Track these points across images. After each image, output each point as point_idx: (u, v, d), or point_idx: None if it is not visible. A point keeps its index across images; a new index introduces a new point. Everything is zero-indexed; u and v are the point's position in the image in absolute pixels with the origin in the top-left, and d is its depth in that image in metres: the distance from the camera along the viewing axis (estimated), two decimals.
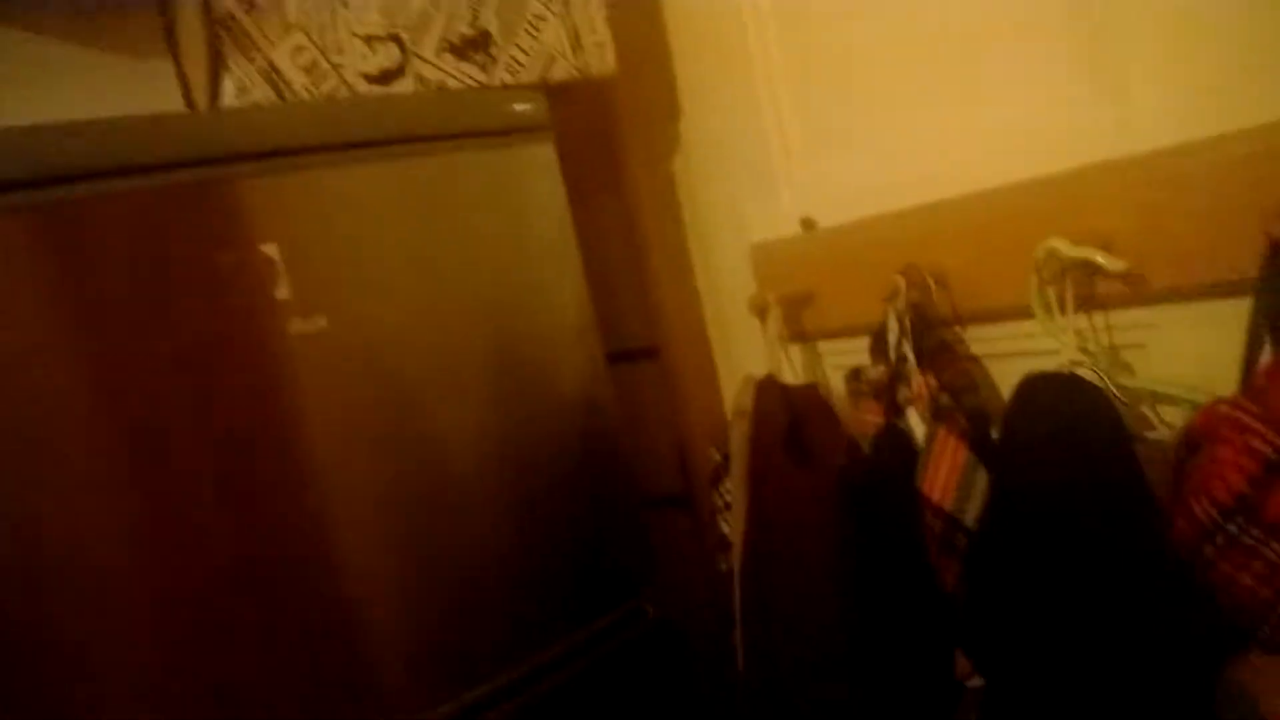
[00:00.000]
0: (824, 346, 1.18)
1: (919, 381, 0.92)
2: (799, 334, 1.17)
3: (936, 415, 0.87)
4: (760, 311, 1.16)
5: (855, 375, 1.04)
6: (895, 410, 0.95)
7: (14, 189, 0.72)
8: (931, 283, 0.95)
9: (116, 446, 0.74)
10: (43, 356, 0.71)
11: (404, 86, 1.00)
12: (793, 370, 1.16)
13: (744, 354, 1.28)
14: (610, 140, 1.29)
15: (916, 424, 0.91)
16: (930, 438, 0.85)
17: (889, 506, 0.89)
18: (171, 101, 0.93)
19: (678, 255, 1.31)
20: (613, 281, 1.32)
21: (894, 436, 0.93)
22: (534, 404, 1.00)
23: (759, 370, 1.11)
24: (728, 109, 1.23)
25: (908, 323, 0.94)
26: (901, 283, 0.95)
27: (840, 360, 1.14)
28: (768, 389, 1.07)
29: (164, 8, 0.90)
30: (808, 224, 1.17)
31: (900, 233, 1.01)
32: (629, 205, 1.30)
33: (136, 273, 0.76)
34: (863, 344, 1.04)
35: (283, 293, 0.83)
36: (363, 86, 0.97)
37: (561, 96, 1.22)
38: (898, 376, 0.95)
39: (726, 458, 1.08)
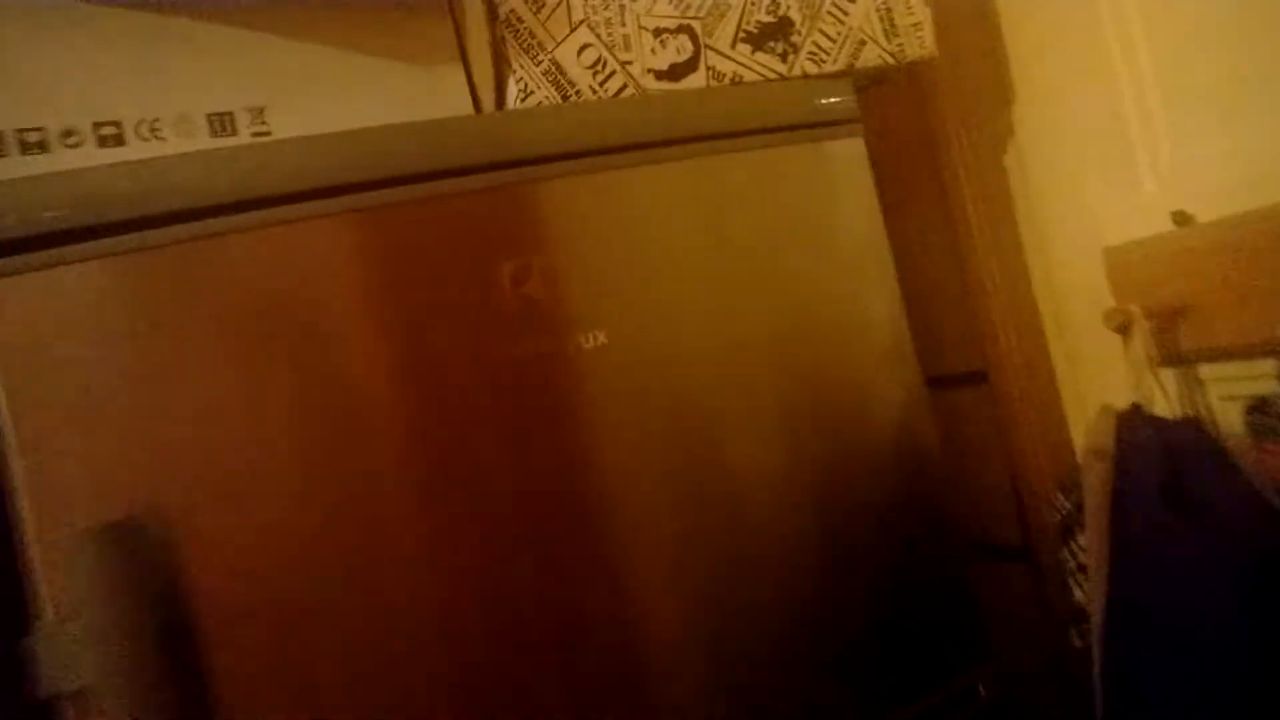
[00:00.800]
0: (1208, 371, 0.94)
1: None
2: (1173, 355, 0.94)
3: None
4: (1121, 328, 0.94)
5: (1261, 407, 0.80)
6: None
7: (319, 196, 0.70)
8: None
9: (415, 469, 0.70)
10: (357, 364, 0.68)
11: (695, 82, 0.91)
12: (1166, 401, 0.93)
13: (1096, 380, 1.06)
14: (929, 134, 1.13)
15: None
16: None
17: None
18: (460, 108, 0.89)
19: (1011, 263, 1.11)
20: (933, 296, 1.15)
21: None
22: (842, 438, 0.86)
23: (1119, 400, 0.90)
24: (1073, 89, 1.03)
25: None
26: None
27: (1233, 388, 0.90)
28: (1134, 424, 0.86)
29: (452, 9, 0.87)
30: (1182, 219, 0.94)
31: None
32: (951, 207, 1.13)
33: (425, 280, 0.72)
34: (1266, 367, 0.81)
35: (565, 305, 0.76)
36: (651, 83, 0.89)
37: (871, 86, 1.08)
38: None
39: (1079, 507, 0.87)
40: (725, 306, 0.83)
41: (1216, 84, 0.90)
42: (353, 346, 0.69)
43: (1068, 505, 0.90)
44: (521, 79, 0.84)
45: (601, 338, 0.78)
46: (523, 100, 0.83)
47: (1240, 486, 0.79)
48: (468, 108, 0.91)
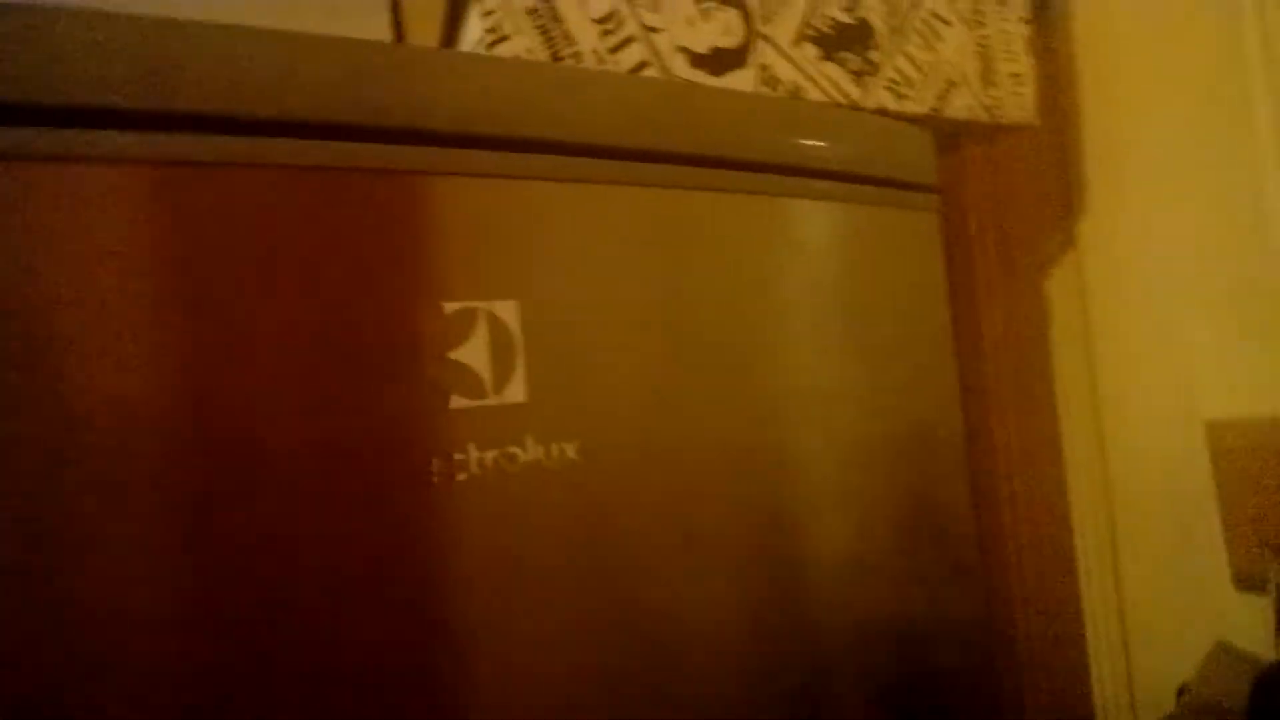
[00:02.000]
0: None
1: None
2: None
3: None
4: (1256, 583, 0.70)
5: None
6: None
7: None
8: None
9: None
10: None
11: (741, 81, 0.62)
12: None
13: (1166, 599, 0.82)
14: (966, 236, 0.87)
15: None
16: None
17: None
18: (374, 31, 0.57)
19: (1082, 423, 0.86)
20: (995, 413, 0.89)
21: None
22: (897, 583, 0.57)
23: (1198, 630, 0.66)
24: (1169, 205, 0.80)
25: None
26: None
27: None
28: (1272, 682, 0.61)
29: None
30: None
31: None
32: (1022, 314, 0.87)
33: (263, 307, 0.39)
34: None
35: (514, 394, 0.45)
36: (681, 67, 0.59)
37: (948, 147, 0.81)
38: None
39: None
40: (741, 398, 0.53)
41: None
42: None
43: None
44: (493, 12, 0.52)
45: (570, 451, 0.46)
46: (491, 46, 0.52)
47: None
48: (385, 33, 0.58)
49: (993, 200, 0.90)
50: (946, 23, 0.72)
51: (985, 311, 0.90)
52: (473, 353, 0.44)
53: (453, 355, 0.44)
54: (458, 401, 0.44)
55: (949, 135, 0.78)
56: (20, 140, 0.35)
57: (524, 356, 0.46)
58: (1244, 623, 0.70)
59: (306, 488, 0.39)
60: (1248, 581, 0.71)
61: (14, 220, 0.35)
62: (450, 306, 0.44)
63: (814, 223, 0.59)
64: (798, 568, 0.54)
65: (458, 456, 0.43)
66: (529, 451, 0.45)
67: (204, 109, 0.39)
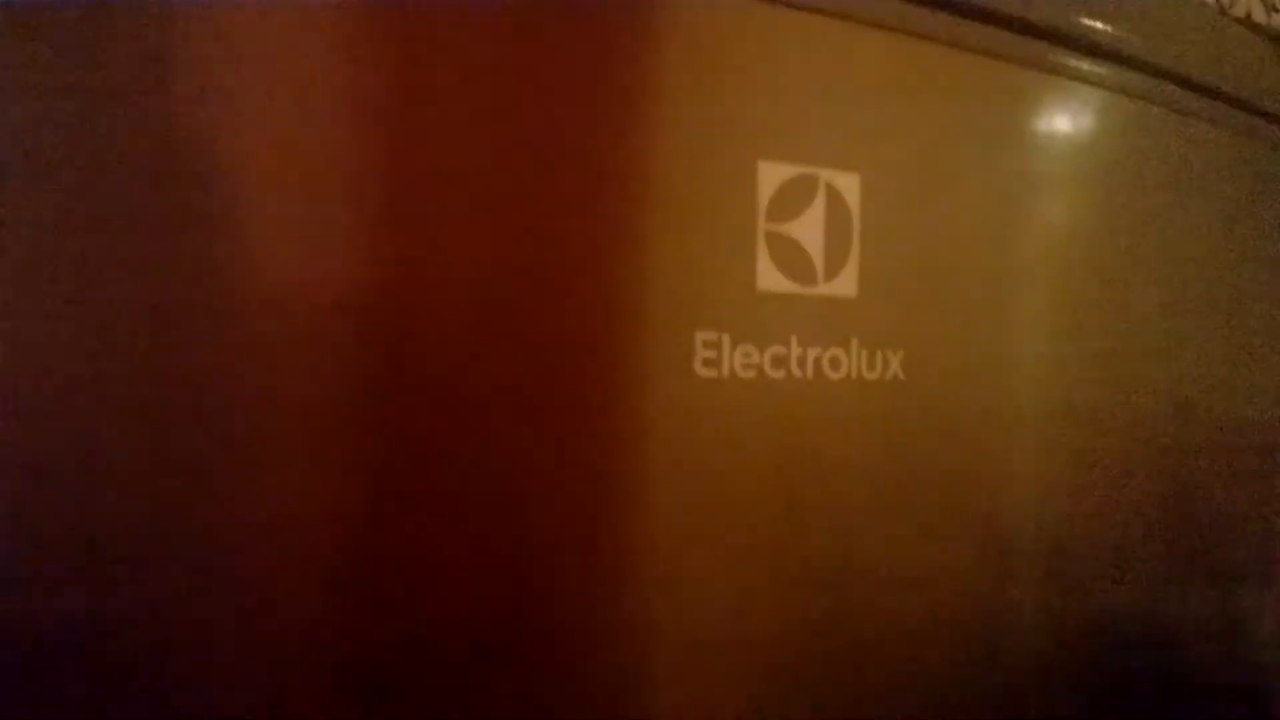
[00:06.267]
0: None
1: None
2: None
3: None
4: None
5: None
6: None
7: None
8: None
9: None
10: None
11: None
12: None
13: None
14: None
15: None
16: None
17: None
18: None
19: None
20: None
21: None
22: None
23: None
24: None
25: None
26: None
27: None
28: None
29: None
30: None
31: None
32: None
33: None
34: None
35: (845, 287, 0.37)
36: None
37: None
38: None
39: None
40: (1078, 346, 0.45)
41: None
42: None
43: None
44: None
45: (895, 364, 0.38)
46: None
47: None
48: None
49: None
50: None
51: None
52: (805, 229, 0.37)
53: (780, 228, 0.36)
54: (776, 284, 0.36)
55: None
56: None
57: (859, 243, 0.38)
58: None
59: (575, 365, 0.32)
60: None
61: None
62: (784, 170, 0.36)
63: (1165, 137, 0.49)
64: (1102, 555, 0.46)
65: (775, 350, 0.36)
66: (853, 357, 0.37)
67: None
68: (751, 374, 0.35)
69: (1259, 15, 0.57)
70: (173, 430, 0.26)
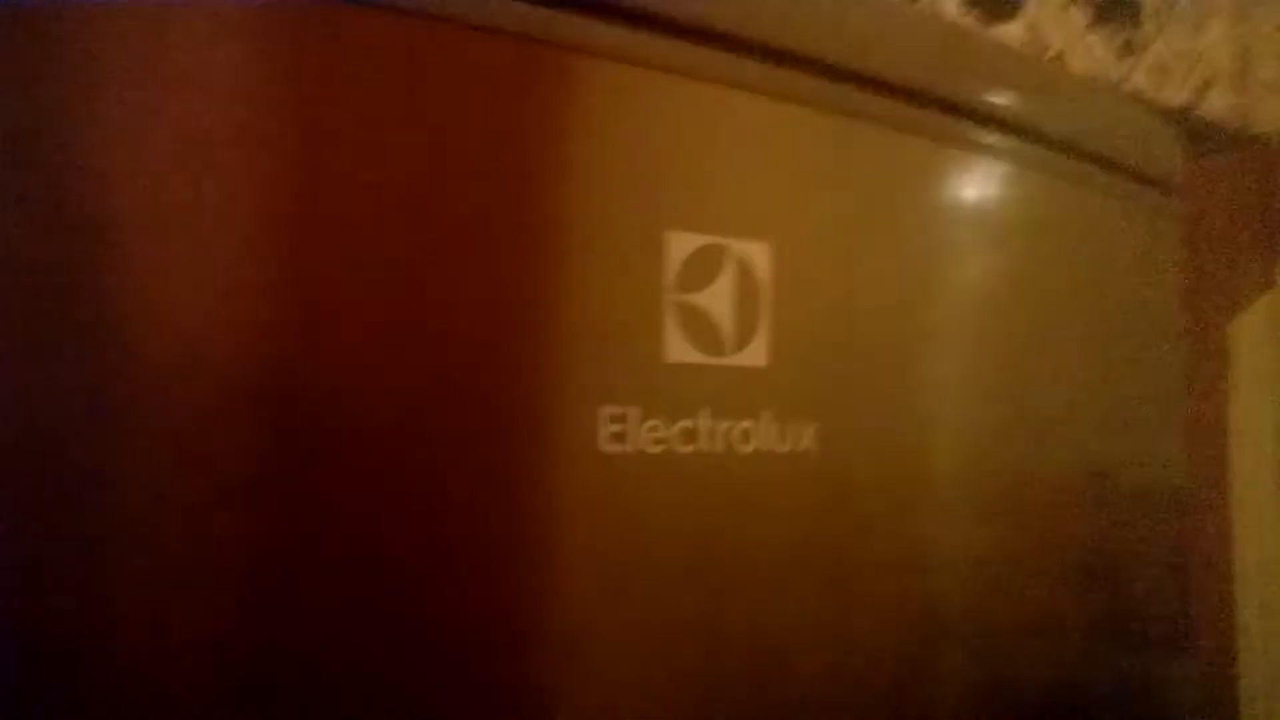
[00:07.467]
0: None
1: None
2: None
3: None
4: None
5: None
6: None
7: None
8: None
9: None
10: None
11: (1010, 36, 0.53)
12: None
13: None
14: (1199, 258, 0.78)
15: None
16: None
17: None
18: None
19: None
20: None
21: None
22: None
23: None
24: None
25: None
26: None
27: None
28: None
29: None
30: None
31: None
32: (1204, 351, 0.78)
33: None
34: None
35: (754, 357, 0.36)
36: (954, 6, 0.51)
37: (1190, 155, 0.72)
38: None
39: None
40: (988, 402, 0.45)
41: None
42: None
43: None
44: None
45: (808, 437, 0.38)
46: None
47: None
48: None
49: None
50: (1211, 15, 0.63)
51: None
52: (713, 299, 0.36)
53: (688, 298, 0.35)
54: (684, 354, 0.35)
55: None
56: None
57: (770, 313, 0.37)
58: None
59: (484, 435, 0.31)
60: None
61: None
62: (691, 240, 0.35)
63: (1064, 209, 0.50)
64: (1025, 614, 0.46)
65: (683, 424, 0.35)
66: (764, 429, 0.37)
67: None
68: (660, 449, 0.34)
69: (1148, 89, 0.59)
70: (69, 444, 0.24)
